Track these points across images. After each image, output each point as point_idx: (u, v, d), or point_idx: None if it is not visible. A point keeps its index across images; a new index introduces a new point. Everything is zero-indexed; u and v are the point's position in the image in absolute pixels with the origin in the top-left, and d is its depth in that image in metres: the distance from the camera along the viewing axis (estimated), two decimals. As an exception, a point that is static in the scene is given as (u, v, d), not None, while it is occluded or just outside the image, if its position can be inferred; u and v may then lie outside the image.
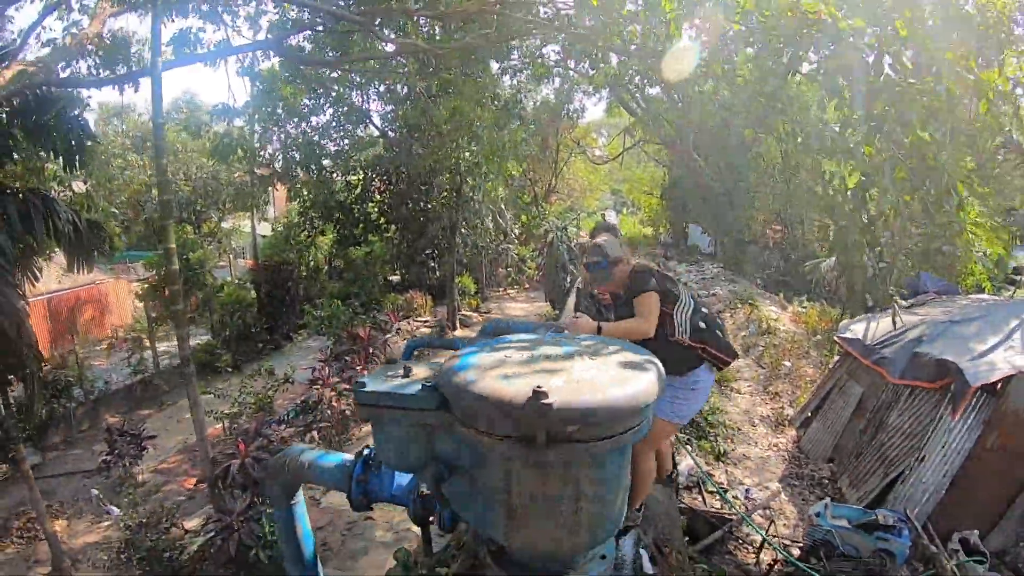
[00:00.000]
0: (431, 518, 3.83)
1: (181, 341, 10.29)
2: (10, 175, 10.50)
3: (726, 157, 32.00)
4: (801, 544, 10.03)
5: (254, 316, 25.25)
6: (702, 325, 4.63)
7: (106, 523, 12.69)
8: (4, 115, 9.65)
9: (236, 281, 28.10)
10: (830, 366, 15.22)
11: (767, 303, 24.10)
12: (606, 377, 2.51)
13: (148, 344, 21.14)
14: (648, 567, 4.35)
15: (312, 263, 28.64)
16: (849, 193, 7.53)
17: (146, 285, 22.50)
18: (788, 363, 17.58)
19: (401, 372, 3.10)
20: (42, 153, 10.65)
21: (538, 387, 2.25)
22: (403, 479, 3.89)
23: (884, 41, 6.08)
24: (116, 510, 12.55)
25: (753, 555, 9.85)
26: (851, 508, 10.15)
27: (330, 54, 14.73)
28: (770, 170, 31.62)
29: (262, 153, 21.23)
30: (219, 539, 8.05)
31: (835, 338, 15.25)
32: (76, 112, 10.32)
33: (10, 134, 9.52)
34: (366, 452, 3.92)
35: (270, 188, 24.09)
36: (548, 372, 2.51)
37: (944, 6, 6.72)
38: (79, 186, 19.40)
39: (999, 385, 9.90)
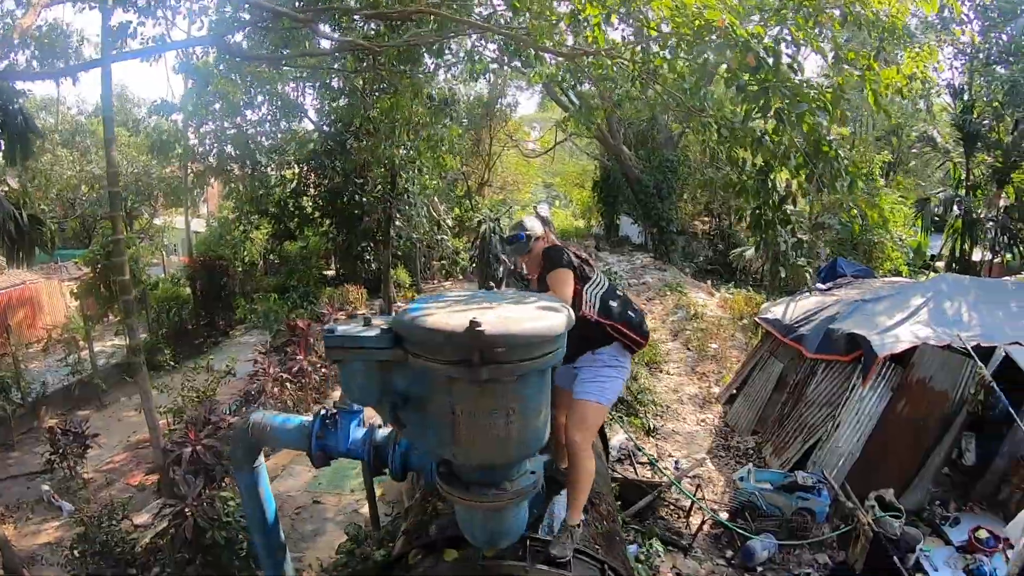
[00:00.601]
0: (384, 468, 4.32)
1: (130, 330, 10.46)
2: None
3: (654, 151, 32.84)
4: (728, 508, 10.71)
5: (190, 312, 25.19)
6: (613, 304, 4.68)
7: (56, 523, 12.49)
8: None
9: (171, 278, 27.90)
10: (753, 347, 15.98)
11: (696, 291, 24.86)
12: (526, 315, 3.15)
13: (84, 344, 20.86)
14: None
15: (247, 258, 28.61)
16: (757, 177, 8.24)
17: (81, 283, 22.27)
18: (715, 345, 18.33)
19: (362, 323, 3.57)
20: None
21: (473, 319, 2.78)
22: (357, 434, 4.36)
23: (779, 43, 6.73)
24: (68, 505, 12.55)
25: (683, 519, 10.46)
26: (773, 472, 10.87)
27: (269, 50, 14.88)
28: (696, 163, 32.58)
29: (198, 148, 21.13)
30: (173, 525, 8.26)
31: (756, 319, 16.05)
32: (17, 105, 10.38)
33: None
34: (322, 412, 4.41)
35: (204, 185, 24.01)
36: (481, 311, 3.04)
37: (845, 10, 7.34)
38: (11, 182, 19.14)
39: (905, 356, 10.70)
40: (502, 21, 10.83)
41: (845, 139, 25.55)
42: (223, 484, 9.91)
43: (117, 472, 14.40)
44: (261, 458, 4.83)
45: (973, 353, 10.29)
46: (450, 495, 3.46)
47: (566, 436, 4.47)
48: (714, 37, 6.70)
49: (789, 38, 6.92)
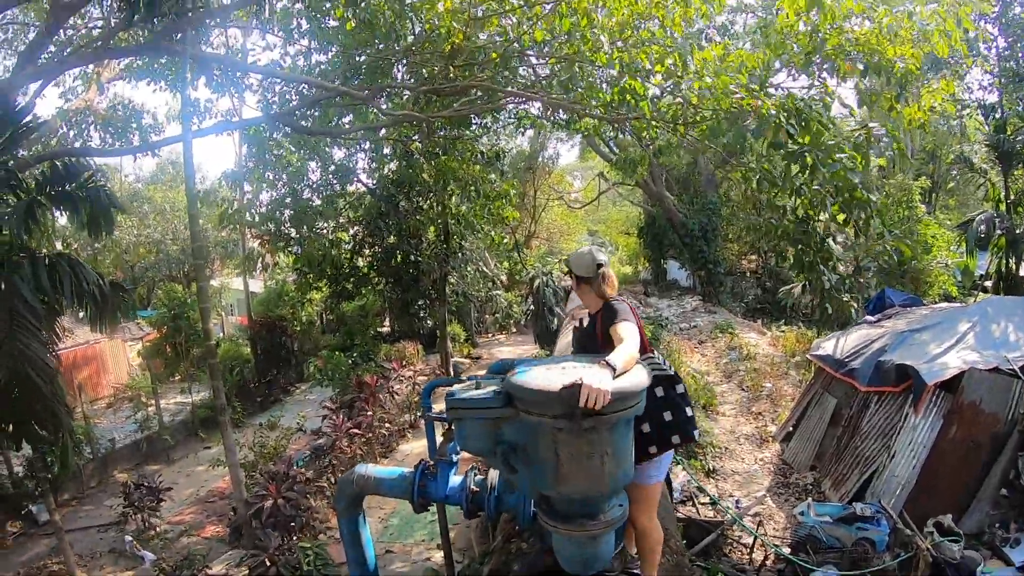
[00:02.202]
0: (479, 511, 4.94)
1: (217, 391, 10.99)
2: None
3: (697, 194, 33.24)
4: (789, 542, 11.00)
5: (251, 371, 26.04)
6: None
7: (127, 572, 13.24)
8: (33, 183, 10.35)
9: (231, 338, 28.75)
10: (806, 383, 16.26)
11: (746, 331, 25.01)
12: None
13: (149, 401, 21.63)
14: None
15: (305, 318, 29.46)
16: (798, 225, 8.83)
17: (148, 343, 23.22)
18: (768, 384, 18.58)
19: (474, 385, 4.26)
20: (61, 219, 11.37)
21: (573, 381, 3.45)
22: (455, 482, 5.05)
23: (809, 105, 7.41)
24: (151, 555, 13.15)
25: (747, 556, 10.78)
26: (832, 505, 11.18)
27: (330, 124, 15.77)
28: (738, 203, 32.84)
29: (257, 215, 22.02)
30: (257, 572, 8.80)
31: (809, 356, 16.35)
32: (103, 182, 11.17)
33: (37, 201, 10.06)
34: (422, 463, 5.11)
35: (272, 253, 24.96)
36: (578, 373, 3.62)
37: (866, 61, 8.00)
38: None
39: (954, 381, 11.01)
40: (544, 83, 11.51)
41: (883, 168, 25.98)
42: (302, 535, 10.45)
43: (187, 524, 15.12)
44: (363, 506, 5.43)
45: (1020, 373, 10.59)
46: (554, 527, 4.03)
47: (634, 520, 4.74)
48: (749, 121, 7.35)
49: (816, 95, 7.54)
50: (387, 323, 32.05)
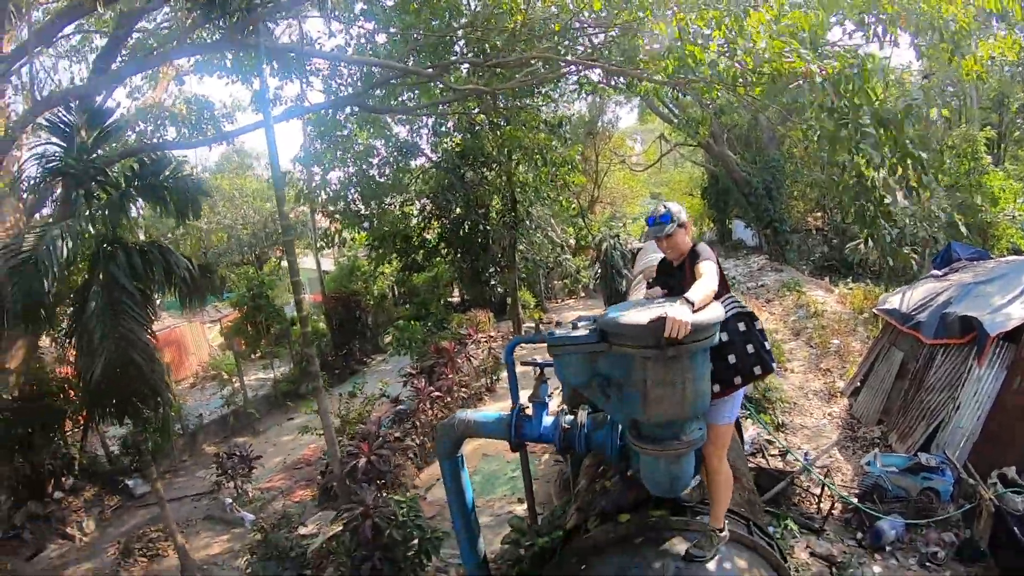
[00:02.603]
0: (570, 449, 5.50)
1: (310, 358, 11.65)
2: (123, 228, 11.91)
3: (759, 152, 33.09)
4: (856, 492, 11.35)
5: (329, 344, 26.92)
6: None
7: (224, 537, 13.99)
8: (122, 178, 11.08)
9: (308, 314, 29.56)
10: (874, 339, 16.43)
11: (814, 288, 25.14)
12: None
13: (233, 378, 22.50)
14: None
15: (378, 292, 30.28)
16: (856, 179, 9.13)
17: (230, 324, 24.16)
18: (836, 341, 18.76)
19: (571, 327, 4.88)
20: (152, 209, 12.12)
21: (658, 315, 4.09)
22: (548, 422, 5.65)
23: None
24: (250, 515, 13.92)
25: (815, 505, 11.17)
26: (898, 456, 11.47)
27: (397, 102, 16.30)
28: (802, 159, 32.56)
29: (327, 194, 22.68)
30: (353, 525, 9.40)
31: (875, 311, 16.51)
32: (189, 172, 11.86)
33: (127, 195, 10.80)
34: (518, 407, 5.76)
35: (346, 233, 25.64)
36: (661, 309, 4.24)
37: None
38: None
39: (1018, 333, 11.13)
40: (603, 50, 11.83)
41: (947, 118, 25.61)
42: (393, 491, 11.06)
43: (277, 490, 15.85)
44: (463, 449, 6.01)
45: None
46: (642, 448, 4.70)
47: (707, 460, 5.17)
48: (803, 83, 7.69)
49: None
50: (457, 293, 32.66)
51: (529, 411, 5.78)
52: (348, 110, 17.82)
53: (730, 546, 5.15)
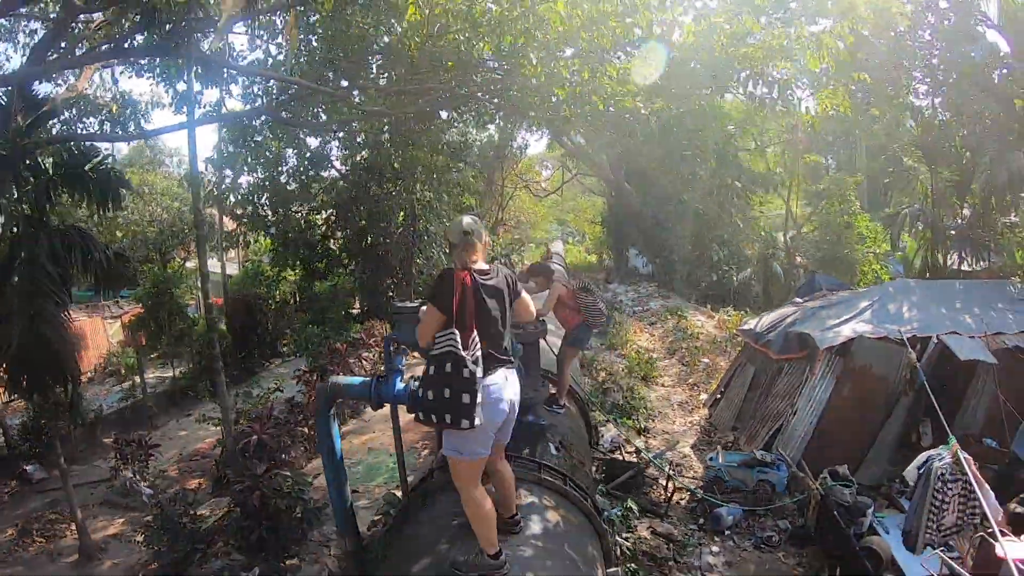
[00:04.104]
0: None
1: (210, 342, 12.33)
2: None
3: (652, 185, 34.62)
4: (700, 484, 12.73)
5: (228, 346, 27.21)
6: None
7: (120, 520, 14.39)
8: (50, 165, 11.66)
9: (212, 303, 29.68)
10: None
11: (696, 314, 26.74)
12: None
13: (125, 374, 22.63)
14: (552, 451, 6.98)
15: (280, 297, 30.73)
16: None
17: (132, 318, 24.38)
18: (706, 360, 20.33)
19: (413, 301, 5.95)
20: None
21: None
22: (400, 386, 6.40)
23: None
24: (148, 490, 14.47)
25: (662, 494, 12.45)
26: (738, 453, 12.99)
27: (307, 116, 17.18)
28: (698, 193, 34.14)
29: (236, 198, 23.21)
30: (243, 497, 10.16)
31: (736, 331, 18.12)
32: (106, 165, 12.43)
33: (53, 181, 11.37)
34: (377, 375, 6.62)
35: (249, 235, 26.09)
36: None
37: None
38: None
39: (847, 347, 12.82)
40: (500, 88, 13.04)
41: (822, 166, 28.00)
42: (283, 466, 11.86)
43: (174, 479, 16.43)
44: (333, 409, 6.95)
45: (906, 342, 12.09)
46: None
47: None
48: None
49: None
50: (357, 305, 33.20)
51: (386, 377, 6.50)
52: (263, 118, 18.56)
53: (545, 493, 6.27)
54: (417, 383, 5.11)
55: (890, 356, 12.61)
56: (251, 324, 27.59)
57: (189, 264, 36.25)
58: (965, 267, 22.20)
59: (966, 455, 7.84)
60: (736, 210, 32.42)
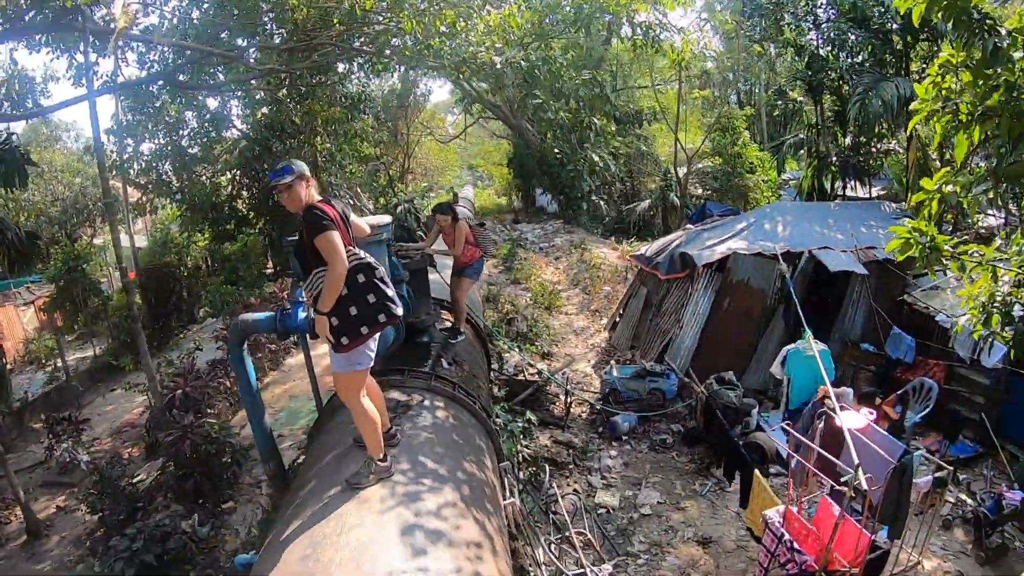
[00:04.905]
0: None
1: (129, 308, 12.62)
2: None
3: (554, 126, 35.31)
4: (597, 397, 13.84)
5: (145, 317, 27.23)
6: None
7: (61, 497, 14.54)
8: None
9: (122, 290, 29.41)
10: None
11: (600, 247, 27.73)
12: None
13: (44, 358, 22.48)
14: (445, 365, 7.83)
15: (192, 263, 30.70)
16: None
17: (47, 300, 24.22)
18: (607, 288, 21.40)
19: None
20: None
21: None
22: (302, 316, 6.87)
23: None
24: (86, 457, 14.75)
25: (562, 407, 13.52)
26: (630, 366, 14.11)
27: (204, 79, 17.41)
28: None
29: (137, 166, 23.11)
30: (175, 446, 10.76)
31: (628, 257, 19.22)
32: (10, 143, 12.62)
33: None
34: (281, 308, 7.15)
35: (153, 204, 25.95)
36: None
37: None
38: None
39: (725, 263, 14.03)
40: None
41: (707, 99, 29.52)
42: (208, 415, 12.47)
43: (108, 452, 16.55)
44: (246, 345, 7.54)
45: (779, 256, 13.02)
46: None
47: (347, 404, 5.63)
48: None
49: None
50: (270, 265, 33.23)
51: (289, 308, 6.96)
52: (160, 83, 18.68)
53: (436, 398, 7.00)
54: (334, 318, 5.22)
55: (764, 269, 13.80)
56: (166, 293, 27.55)
57: (96, 241, 35.83)
58: (850, 192, 23.66)
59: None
60: (593, 147, 33.28)
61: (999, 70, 4.77)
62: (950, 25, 5.18)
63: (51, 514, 14.09)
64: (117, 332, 24.29)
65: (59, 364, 22.71)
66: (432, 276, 9.02)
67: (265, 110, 24.02)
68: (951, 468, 7.66)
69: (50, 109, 16.84)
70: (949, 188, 5.43)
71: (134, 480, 12.48)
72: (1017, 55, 4.77)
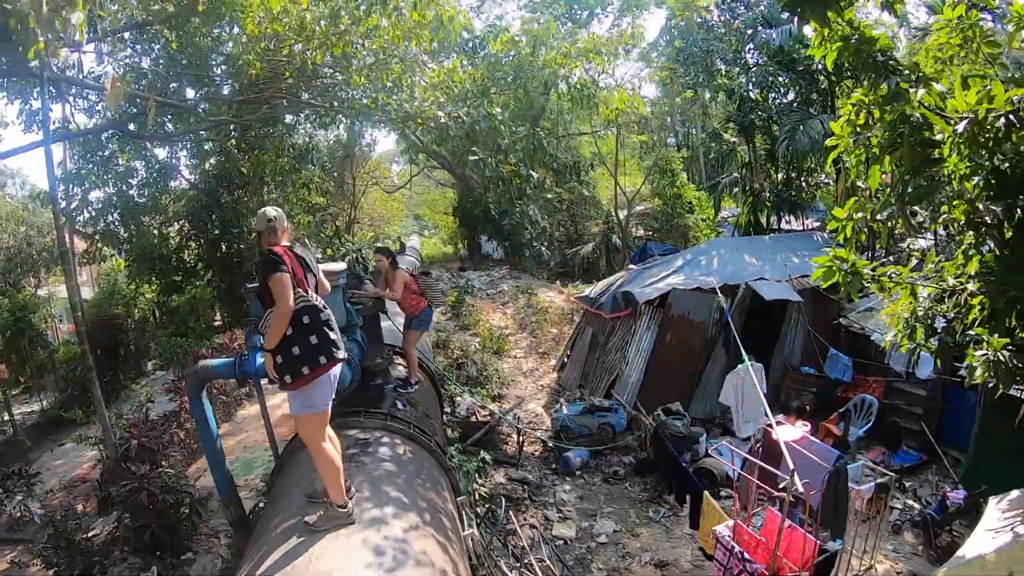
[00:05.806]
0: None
1: (84, 353, 12.58)
2: None
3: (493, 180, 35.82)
4: (549, 435, 14.25)
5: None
6: None
7: (11, 554, 14.09)
8: None
9: (68, 342, 28.90)
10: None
11: (545, 291, 28.21)
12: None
13: None
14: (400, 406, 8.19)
15: (139, 315, 30.43)
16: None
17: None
18: (554, 331, 21.91)
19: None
20: None
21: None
22: (259, 362, 6.99)
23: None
24: (40, 510, 14.58)
25: (515, 447, 13.89)
26: (579, 403, 14.57)
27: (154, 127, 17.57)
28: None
29: (86, 216, 22.91)
30: (131, 497, 10.77)
31: (573, 299, 19.77)
32: None
33: None
34: (239, 354, 7.44)
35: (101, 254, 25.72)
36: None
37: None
38: None
39: (665, 300, 14.61)
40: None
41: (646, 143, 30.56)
42: (163, 466, 12.53)
43: (60, 506, 16.39)
44: (205, 391, 7.69)
45: (717, 290, 13.76)
46: None
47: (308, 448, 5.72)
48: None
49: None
50: (219, 317, 32.85)
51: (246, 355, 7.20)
52: (110, 132, 18.76)
53: (393, 436, 7.29)
54: (279, 357, 5.39)
55: (702, 303, 14.41)
56: (114, 345, 27.25)
57: (40, 292, 35.08)
58: (785, 225, 24.50)
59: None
60: (531, 199, 33.89)
61: (899, 104, 5.35)
62: (860, 68, 5.83)
63: (3, 570, 13.78)
64: (66, 384, 24.08)
65: (6, 418, 22.40)
66: (386, 324, 9.40)
67: (213, 161, 24.10)
68: (893, 475, 8.24)
69: (2, 155, 16.82)
70: (859, 215, 6.04)
71: (89, 534, 12.25)
72: (918, 91, 5.36)
